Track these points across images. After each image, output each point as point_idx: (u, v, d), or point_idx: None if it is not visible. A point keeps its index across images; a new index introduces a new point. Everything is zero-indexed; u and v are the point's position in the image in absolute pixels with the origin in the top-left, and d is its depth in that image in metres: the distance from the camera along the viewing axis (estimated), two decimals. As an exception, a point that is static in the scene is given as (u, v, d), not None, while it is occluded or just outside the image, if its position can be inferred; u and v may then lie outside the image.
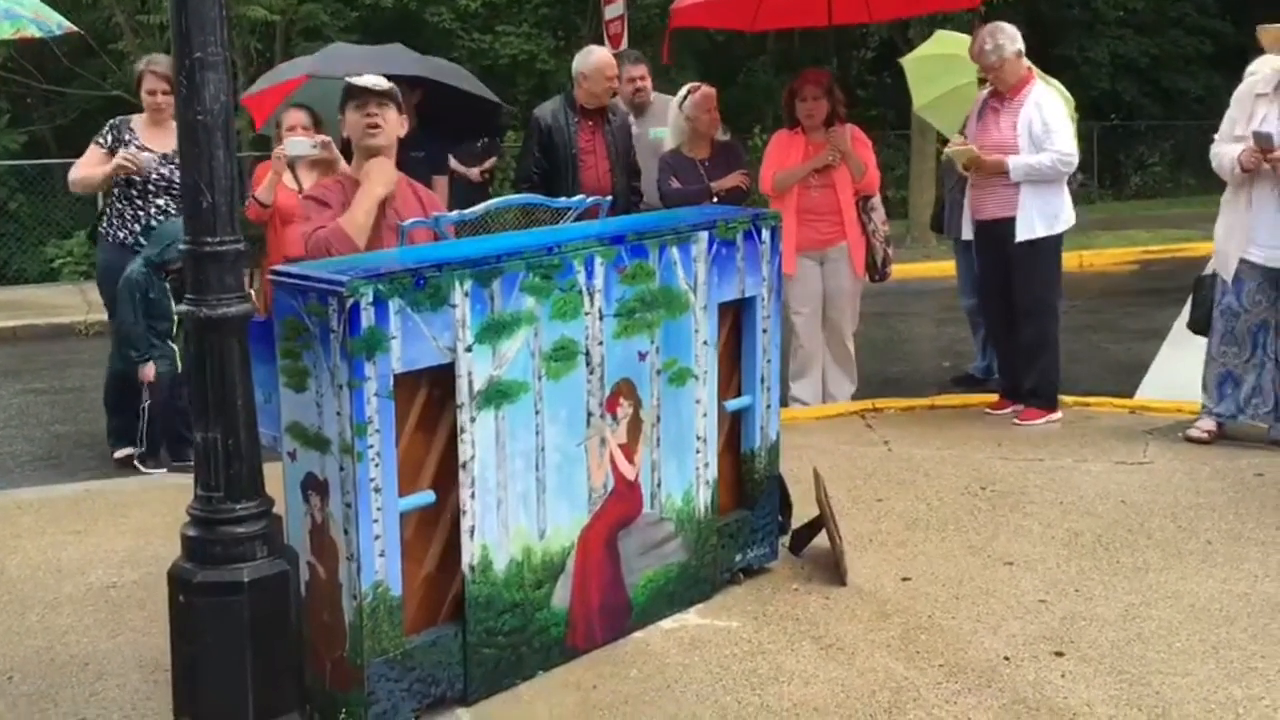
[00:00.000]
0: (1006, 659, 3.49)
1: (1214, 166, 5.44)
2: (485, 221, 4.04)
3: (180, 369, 5.82)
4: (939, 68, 8.03)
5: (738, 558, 4.04)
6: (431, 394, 3.21)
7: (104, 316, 6.70)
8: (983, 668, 3.44)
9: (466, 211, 3.74)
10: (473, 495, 3.23)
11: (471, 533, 3.24)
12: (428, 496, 3.20)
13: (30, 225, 14.04)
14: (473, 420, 3.21)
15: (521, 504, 3.35)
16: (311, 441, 3.05)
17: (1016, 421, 5.93)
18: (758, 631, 3.72)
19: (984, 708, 3.23)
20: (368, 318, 2.96)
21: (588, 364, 3.47)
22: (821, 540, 4.21)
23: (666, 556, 3.77)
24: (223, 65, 2.77)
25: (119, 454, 6.05)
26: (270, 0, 14.30)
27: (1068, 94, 6.51)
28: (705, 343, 3.80)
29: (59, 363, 8.91)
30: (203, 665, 2.83)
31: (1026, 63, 5.89)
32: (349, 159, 4.02)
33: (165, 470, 5.82)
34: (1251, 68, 5.44)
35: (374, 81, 3.87)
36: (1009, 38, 5.80)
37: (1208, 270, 5.62)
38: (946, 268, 8.00)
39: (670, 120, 6.37)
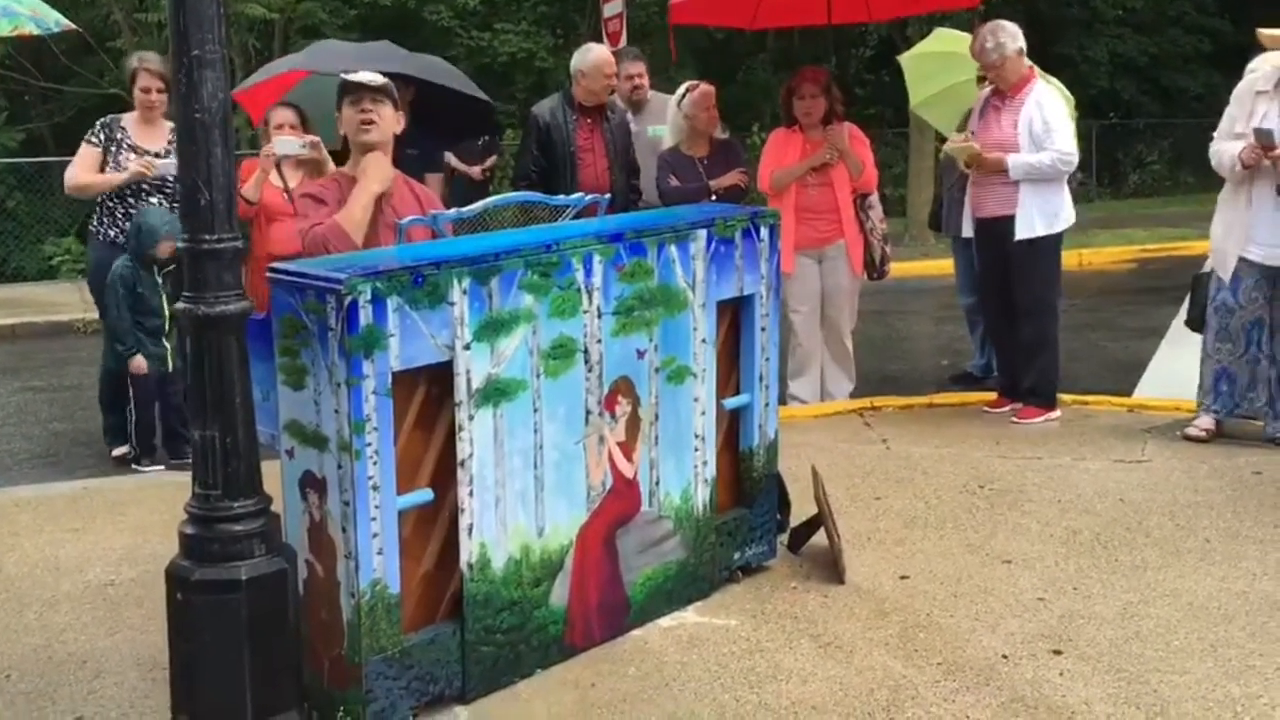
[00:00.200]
0: (1005, 657, 3.49)
1: (1213, 164, 5.44)
2: (483, 219, 4.04)
3: (171, 368, 5.82)
4: (937, 65, 8.02)
5: (736, 556, 4.04)
6: (430, 392, 3.20)
7: (102, 315, 6.69)
8: (981, 666, 3.44)
9: (465, 209, 3.73)
10: (471, 493, 3.23)
11: (470, 531, 3.24)
12: (426, 494, 3.20)
13: (28, 223, 14.03)
14: (471, 418, 3.21)
15: (520, 502, 3.35)
16: (309, 439, 3.05)
17: (1015, 420, 5.93)
18: (756, 630, 3.72)
19: (982, 706, 3.23)
20: (366, 315, 2.95)
21: (586, 362, 3.47)
22: (820, 538, 4.21)
23: (665, 554, 3.77)
24: (221, 63, 2.77)
25: (117, 452, 6.05)
26: (268, -2, 14.31)
27: (1068, 93, 6.51)
28: (704, 341, 3.80)
29: (57, 360, 8.90)
30: (201, 663, 2.82)
31: (1027, 61, 5.89)
32: (348, 158, 4.01)
33: (162, 468, 5.82)
34: (1252, 65, 5.44)
35: (369, 77, 3.87)
36: (1010, 36, 5.80)
37: (1206, 268, 5.62)
38: (945, 266, 8.01)
39: (669, 118, 6.36)
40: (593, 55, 6.26)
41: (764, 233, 3.98)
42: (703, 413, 3.83)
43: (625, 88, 6.76)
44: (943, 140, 7.69)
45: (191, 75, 2.73)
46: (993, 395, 6.27)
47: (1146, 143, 20.78)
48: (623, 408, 3.60)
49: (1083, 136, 6.00)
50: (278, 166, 5.74)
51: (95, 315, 6.32)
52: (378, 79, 3.87)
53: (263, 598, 2.83)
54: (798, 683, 3.38)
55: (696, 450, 3.83)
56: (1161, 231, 13.62)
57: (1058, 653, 3.51)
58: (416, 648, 3.17)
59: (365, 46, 7.88)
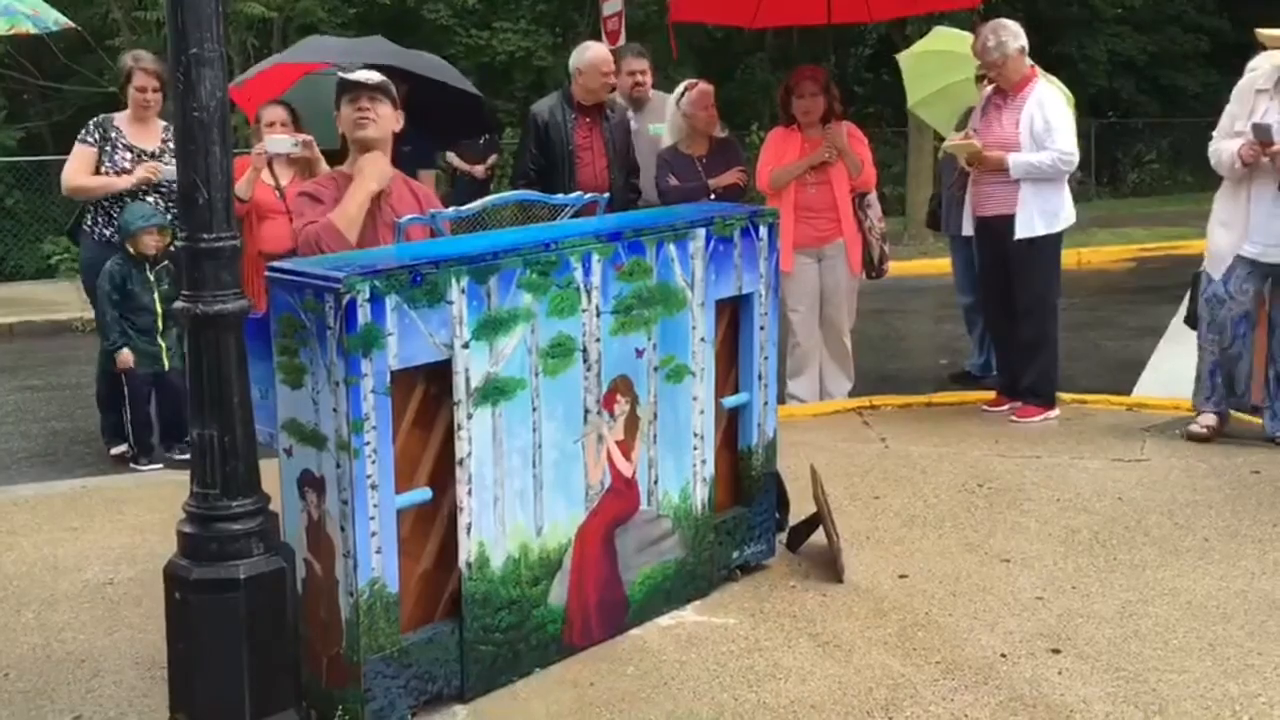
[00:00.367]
0: (1003, 656, 3.49)
1: (1212, 163, 5.44)
2: (482, 218, 4.04)
3: (167, 366, 5.81)
4: (935, 64, 8.02)
5: (735, 555, 4.04)
6: (428, 391, 3.20)
7: (100, 313, 6.68)
8: (980, 665, 3.44)
9: (463, 208, 3.73)
10: (470, 492, 3.23)
11: (468, 530, 3.24)
12: (424, 493, 3.20)
13: (27, 222, 14.02)
14: (470, 417, 3.21)
15: (519, 501, 3.35)
16: (308, 438, 3.05)
17: (1014, 419, 5.93)
18: (755, 629, 3.72)
19: (981, 705, 3.23)
20: (364, 314, 2.95)
21: (585, 361, 3.47)
22: (819, 537, 4.21)
23: (664, 553, 3.77)
24: (219, 61, 2.76)
25: (115, 450, 6.05)
26: (267, -4, 14.30)
27: (1068, 92, 6.51)
28: (702, 340, 3.80)
29: (56, 359, 8.90)
30: (199, 662, 2.82)
31: (1029, 60, 5.89)
32: (346, 158, 4.01)
33: (161, 466, 5.82)
34: (1252, 64, 5.43)
35: (366, 75, 3.87)
36: (1012, 34, 5.80)
37: (1204, 267, 5.62)
38: (943, 265, 8.01)
39: (667, 117, 6.36)
40: (590, 54, 6.25)
41: (763, 231, 3.97)
42: (701, 411, 3.83)
43: (627, 84, 6.76)
44: (941, 139, 7.68)
45: (190, 74, 2.73)
46: (991, 394, 6.27)
47: (1145, 141, 20.79)
48: (621, 406, 3.59)
49: (1082, 135, 5.99)
50: (269, 165, 5.74)
51: (92, 314, 6.31)
52: (375, 77, 3.87)
53: (261, 597, 2.83)
54: (796, 681, 3.38)
55: (695, 449, 3.83)
56: (1160, 230, 13.62)
57: (1056, 651, 3.51)
58: (415, 647, 3.17)
59: (356, 41, 7.87)
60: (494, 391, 3.25)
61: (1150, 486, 4.90)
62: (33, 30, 8.74)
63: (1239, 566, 4.08)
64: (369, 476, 2.99)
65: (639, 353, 3.62)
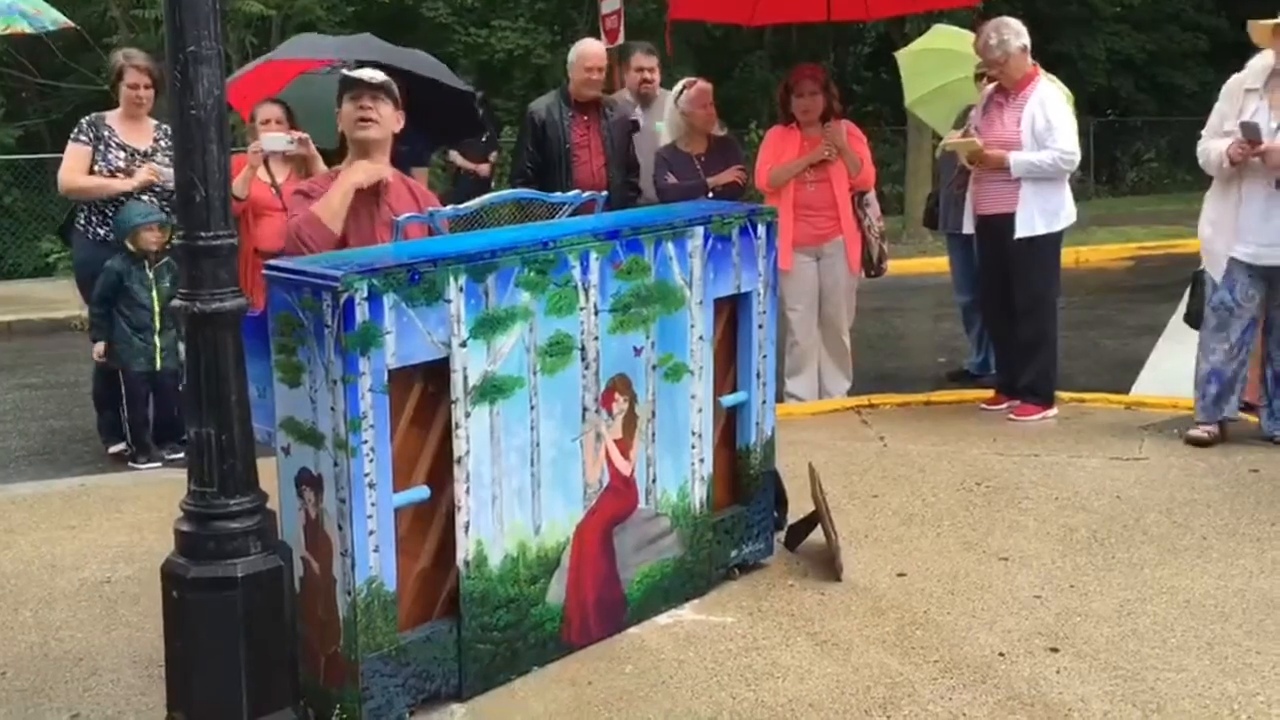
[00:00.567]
0: (1001, 655, 3.49)
1: (1201, 162, 5.42)
2: (480, 216, 4.03)
3: (159, 365, 5.81)
4: (933, 62, 8.02)
5: (733, 553, 4.04)
6: (426, 389, 3.20)
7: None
8: (978, 663, 3.44)
9: (461, 206, 3.73)
10: (468, 490, 3.22)
11: (466, 528, 3.24)
12: (422, 492, 3.19)
13: (25, 220, 14.01)
14: (468, 415, 3.20)
15: (517, 499, 3.34)
16: (306, 437, 3.05)
17: (1012, 417, 5.93)
18: (753, 627, 3.72)
19: (979, 703, 3.23)
20: (362, 313, 2.95)
21: (583, 359, 3.47)
22: (817, 536, 4.21)
23: (662, 552, 3.77)
24: (216, 59, 2.76)
25: (113, 449, 6.05)
26: (266, -5, 14.30)
27: (1067, 90, 6.51)
28: (701, 338, 3.79)
29: (54, 357, 8.89)
30: (196, 660, 2.82)
31: (1031, 59, 5.88)
32: (345, 153, 4.00)
33: (159, 465, 5.81)
34: (1252, 63, 5.43)
35: (369, 74, 3.86)
36: (1014, 33, 5.79)
37: (1202, 266, 5.62)
38: (942, 263, 8.01)
39: (666, 115, 6.36)
40: (577, 49, 6.32)
41: (761, 230, 3.97)
42: (700, 410, 3.82)
43: (635, 81, 6.76)
44: (939, 138, 7.68)
45: (187, 71, 2.72)
46: (990, 393, 6.27)
47: (1144, 140, 20.80)
48: (620, 405, 3.59)
49: (1080, 134, 5.98)
50: (265, 163, 5.74)
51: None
52: (379, 76, 3.86)
53: (258, 595, 2.83)
54: (795, 680, 3.38)
55: (694, 448, 3.82)
56: (1159, 229, 13.64)
57: (1054, 650, 3.51)
58: (413, 645, 3.17)
59: (347, 40, 7.87)
60: (492, 390, 3.25)
61: (1148, 485, 4.90)
62: (29, 30, 8.73)
63: (1237, 565, 4.08)
64: (367, 475, 2.99)
65: (637, 351, 3.62)
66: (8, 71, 15.16)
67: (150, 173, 5.79)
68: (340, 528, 3.01)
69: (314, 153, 5.52)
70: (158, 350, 5.81)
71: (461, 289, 3.15)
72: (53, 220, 13.84)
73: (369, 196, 3.85)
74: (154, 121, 6.00)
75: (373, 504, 3.01)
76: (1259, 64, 5.26)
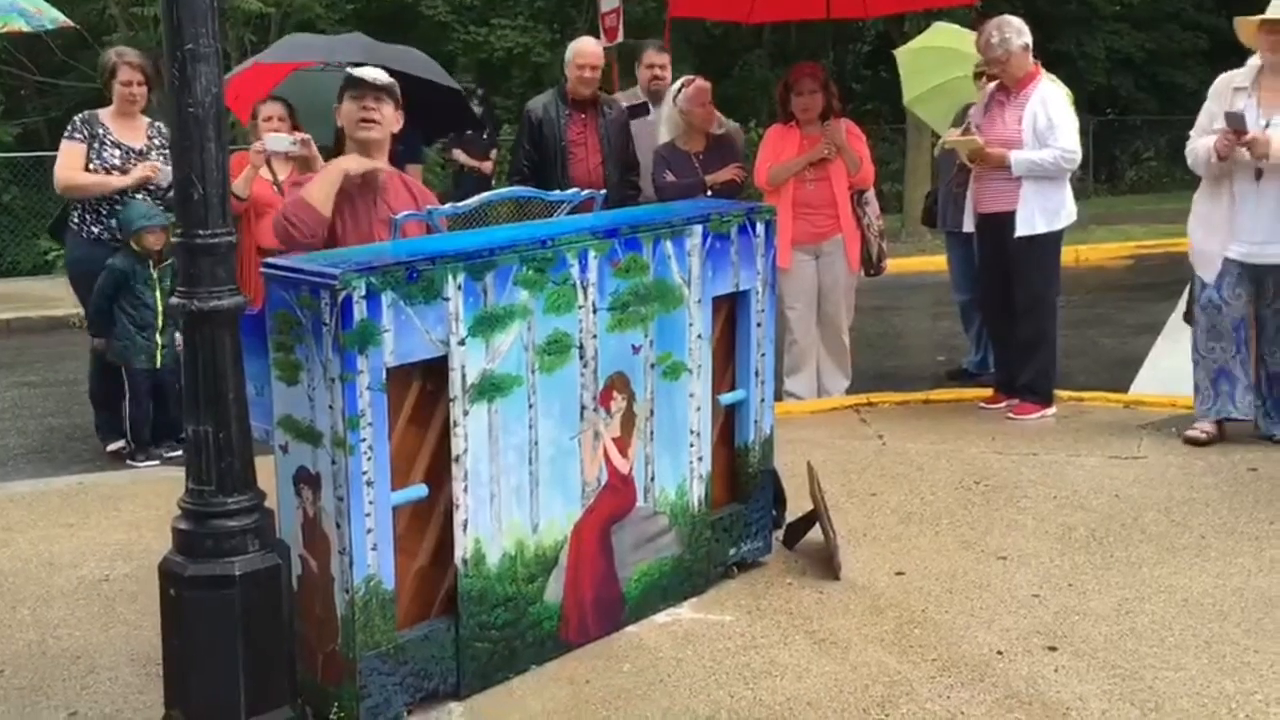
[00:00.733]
0: (1000, 653, 3.49)
1: (1189, 163, 5.41)
2: (479, 214, 4.03)
3: (159, 364, 5.81)
4: (933, 60, 8.02)
5: (731, 552, 4.04)
6: (424, 387, 3.20)
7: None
8: (976, 662, 3.44)
9: (460, 204, 3.73)
10: (466, 489, 3.22)
11: (464, 526, 3.23)
12: (420, 490, 3.19)
13: (24, 218, 14.01)
14: (466, 414, 3.20)
15: (515, 498, 3.34)
16: (304, 435, 3.04)
17: (1011, 416, 5.93)
18: (751, 626, 3.71)
19: (977, 702, 3.23)
20: (360, 311, 2.95)
21: (581, 357, 3.47)
22: (815, 534, 4.20)
23: (660, 550, 3.77)
24: (214, 57, 2.75)
25: (111, 447, 6.05)
26: (265, -8, 14.30)
27: (1066, 89, 6.50)
28: (699, 336, 3.79)
29: (52, 355, 8.88)
30: (194, 659, 2.82)
31: (1032, 57, 5.88)
32: (342, 150, 4.00)
33: (158, 463, 5.81)
34: (1251, 61, 5.42)
35: (375, 75, 3.86)
36: (1016, 31, 5.79)
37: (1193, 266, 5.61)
38: (941, 262, 8.00)
39: (664, 114, 6.36)
40: (572, 47, 6.35)
41: (760, 228, 3.97)
42: (698, 408, 3.82)
43: (645, 77, 6.76)
44: (938, 136, 7.68)
45: (185, 69, 2.72)
46: (989, 391, 6.27)
47: (1144, 139, 20.79)
48: (618, 403, 3.59)
49: (1080, 133, 5.98)
50: (268, 162, 5.74)
51: (88, 312, 6.30)
52: (384, 78, 3.87)
53: (256, 593, 2.82)
54: (793, 679, 3.38)
55: (692, 446, 3.82)
56: (1158, 227, 13.61)
57: (1052, 649, 3.51)
58: (411, 643, 3.17)
59: (336, 39, 7.87)
60: (490, 388, 3.25)
61: (1147, 484, 4.90)
62: (26, 28, 8.72)
63: (1235, 564, 4.08)
64: (365, 473, 2.99)
65: (636, 349, 3.62)
66: (7, 69, 15.15)
67: (150, 169, 5.78)
68: (338, 526, 3.01)
69: (315, 154, 5.52)
70: (159, 348, 5.81)
71: (460, 287, 3.15)
72: (51, 218, 13.85)
73: (366, 194, 3.85)
74: (147, 119, 5.99)
75: (371, 502, 3.01)
76: (1255, 63, 5.26)
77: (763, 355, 4.05)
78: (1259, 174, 5.11)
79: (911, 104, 8.52)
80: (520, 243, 3.31)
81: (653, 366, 3.67)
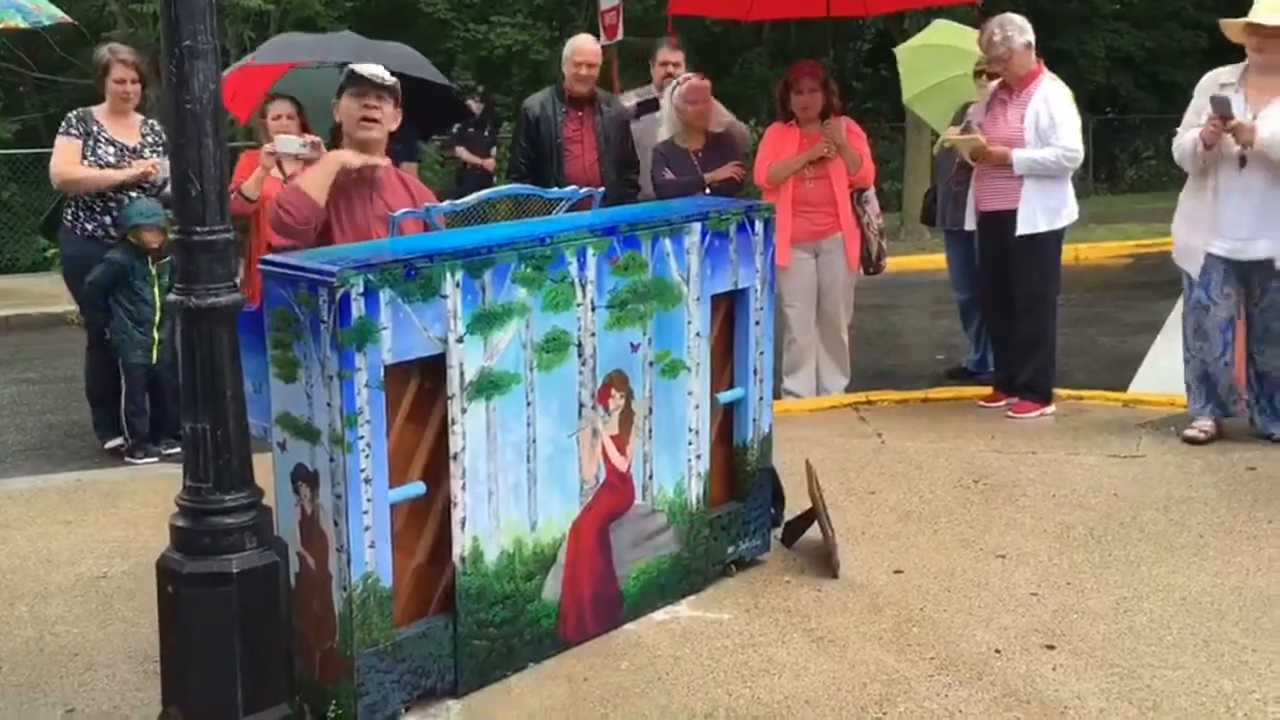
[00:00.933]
0: (998, 652, 3.49)
1: (1176, 157, 5.41)
2: (478, 212, 4.03)
3: (155, 359, 5.81)
4: (932, 59, 8.01)
5: (730, 550, 4.04)
6: (422, 385, 3.20)
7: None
8: (974, 660, 3.44)
9: (458, 202, 3.72)
10: (464, 487, 3.22)
11: (462, 524, 3.23)
12: (418, 488, 3.19)
13: (23, 214, 14.00)
14: (464, 411, 3.20)
15: (513, 495, 3.34)
16: (301, 432, 3.04)
17: (1010, 414, 5.93)
18: (749, 624, 3.71)
19: (975, 700, 3.23)
20: (358, 308, 2.94)
21: (580, 355, 3.46)
22: (814, 533, 4.20)
23: (658, 548, 3.77)
24: (213, 54, 2.75)
25: (109, 444, 6.04)
26: (265, -10, 14.28)
27: (1067, 88, 6.49)
28: (698, 334, 3.79)
29: (51, 352, 8.87)
30: (191, 656, 2.82)
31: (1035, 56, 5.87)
32: (339, 146, 4.00)
33: (156, 460, 5.81)
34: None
35: (377, 73, 3.86)
36: (1018, 29, 5.78)
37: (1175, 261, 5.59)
38: (940, 260, 8.00)
39: (663, 111, 6.36)
40: (569, 45, 6.36)
41: (759, 226, 3.97)
42: (696, 406, 3.82)
43: (659, 75, 6.76)
44: (938, 135, 7.68)
45: (183, 65, 2.71)
46: (988, 390, 6.26)
47: (1143, 138, 20.78)
48: (616, 401, 3.59)
49: (1080, 131, 5.98)
50: (279, 163, 5.75)
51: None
52: (387, 77, 3.87)
53: (254, 591, 2.82)
54: (791, 677, 3.37)
55: (690, 444, 3.82)
56: (1157, 226, 13.54)
57: (1051, 648, 3.51)
58: (409, 641, 3.17)
59: (325, 37, 7.88)
60: (488, 386, 3.25)
61: (1145, 483, 4.90)
62: (24, 24, 8.70)
63: (1234, 563, 4.07)
64: (362, 471, 2.98)
65: (634, 347, 3.62)
66: (5, 66, 15.13)
67: (150, 164, 5.78)
68: (336, 523, 3.01)
69: (325, 155, 5.52)
70: (155, 344, 5.81)
71: (458, 284, 3.15)
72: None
73: (363, 191, 3.85)
74: (140, 117, 5.99)
75: (369, 500, 3.01)
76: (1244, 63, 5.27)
77: (761, 353, 4.04)
78: (1243, 161, 5.11)
79: (911, 102, 8.51)
80: (519, 240, 3.31)
81: (651, 364, 3.67)
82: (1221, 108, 5.05)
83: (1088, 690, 3.26)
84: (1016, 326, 5.96)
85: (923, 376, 7.31)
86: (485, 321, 3.22)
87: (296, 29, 15.40)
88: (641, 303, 3.61)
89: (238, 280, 2.93)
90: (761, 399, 4.07)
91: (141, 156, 5.84)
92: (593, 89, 6.28)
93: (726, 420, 4.05)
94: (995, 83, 6.09)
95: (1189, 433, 5.38)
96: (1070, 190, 5.92)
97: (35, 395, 7.60)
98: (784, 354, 6.23)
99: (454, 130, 11.80)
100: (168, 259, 5.72)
